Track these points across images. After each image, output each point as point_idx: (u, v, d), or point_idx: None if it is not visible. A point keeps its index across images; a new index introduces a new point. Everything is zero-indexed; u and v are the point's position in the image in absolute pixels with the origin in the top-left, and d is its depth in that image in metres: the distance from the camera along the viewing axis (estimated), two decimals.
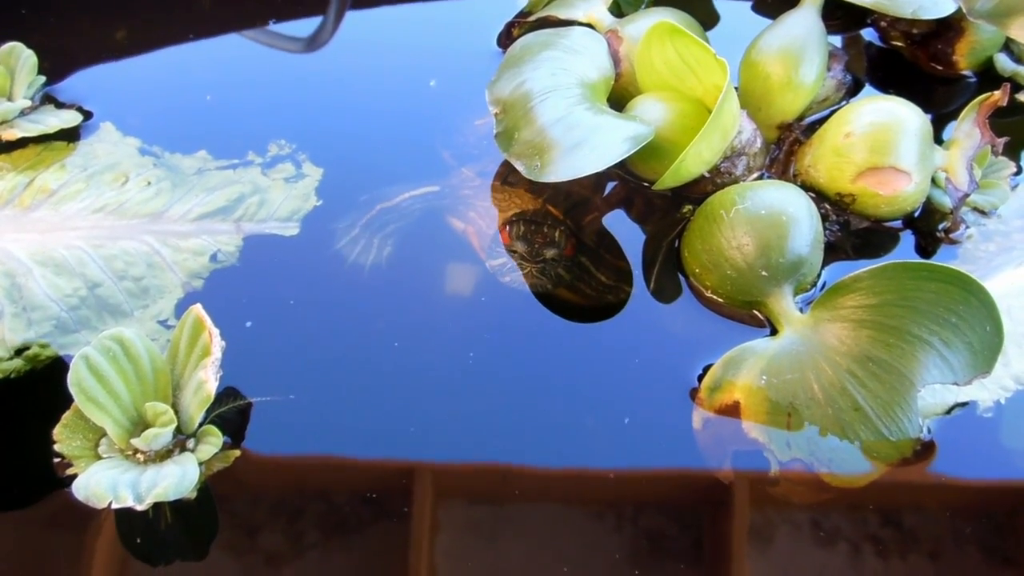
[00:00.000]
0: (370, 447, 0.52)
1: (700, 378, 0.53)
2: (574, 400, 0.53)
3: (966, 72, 0.68)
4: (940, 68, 0.69)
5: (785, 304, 0.53)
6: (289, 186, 0.62)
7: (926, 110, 0.58)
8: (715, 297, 0.56)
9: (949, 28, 0.67)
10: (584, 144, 0.53)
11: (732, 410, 0.51)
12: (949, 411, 0.52)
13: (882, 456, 0.50)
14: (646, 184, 0.60)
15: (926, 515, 0.51)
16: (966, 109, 0.57)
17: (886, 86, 0.68)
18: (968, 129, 0.57)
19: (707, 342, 0.55)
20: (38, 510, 0.49)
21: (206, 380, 0.48)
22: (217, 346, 0.49)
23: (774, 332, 0.54)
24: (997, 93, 0.56)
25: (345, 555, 0.49)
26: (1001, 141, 0.57)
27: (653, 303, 0.57)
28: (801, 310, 0.54)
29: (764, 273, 0.53)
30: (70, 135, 0.64)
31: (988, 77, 0.67)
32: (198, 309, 0.50)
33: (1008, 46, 0.67)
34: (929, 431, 0.51)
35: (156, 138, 0.64)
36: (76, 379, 0.47)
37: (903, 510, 0.51)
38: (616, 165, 0.61)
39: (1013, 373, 0.54)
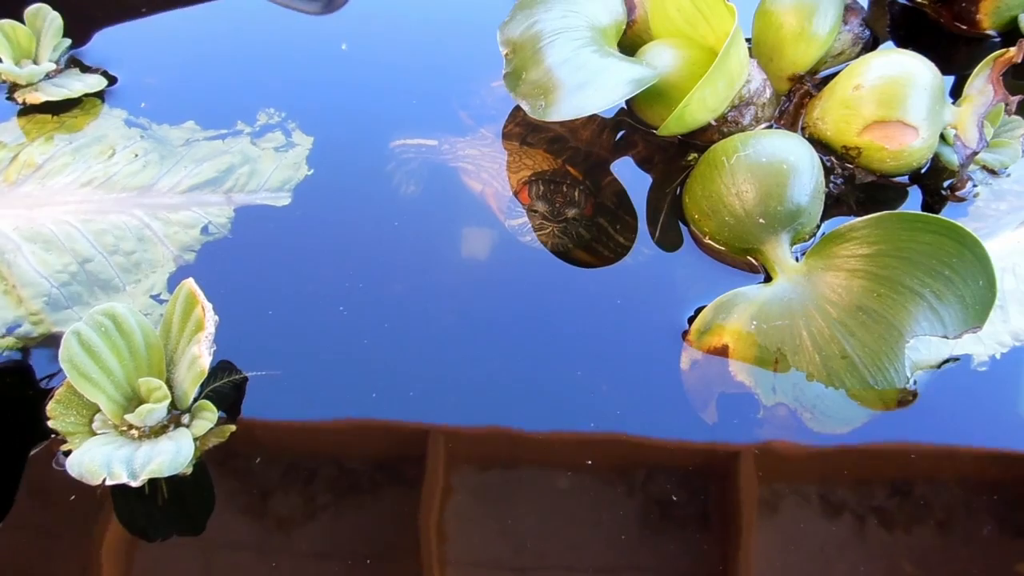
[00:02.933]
0: (370, 415, 0.51)
1: (691, 320, 0.53)
2: (586, 362, 0.53)
3: (990, 32, 0.67)
4: (964, 27, 0.68)
5: (780, 252, 0.53)
6: (279, 155, 0.61)
7: (947, 70, 0.58)
8: (713, 244, 0.56)
9: None
10: (588, 85, 0.53)
11: (720, 353, 0.52)
12: (941, 365, 0.52)
13: (867, 404, 0.50)
14: (654, 131, 0.60)
15: (935, 483, 0.50)
16: (980, 65, 0.56)
17: (908, 44, 0.67)
18: (981, 86, 0.56)
19: (704, 288, 0.55)
20: (34, 487, 0.48)
21: (200, 355, 0.47)
22: (210, 320, 0.48)
23: (768, 280, 0.54)
24: (1012, 50, 0.55)
25: (349, 526, 0.48)
26: (1015, 99, 0.56)
27: (660, 253, 0.57)
28: (797, 259, 0.54)
29: (761, 221, 0.53)
30: (59, 107, 0.63)
31: (1012, 37, 0.66)
32: (190, 283, 0.49)
33: None
34: (915, 382, 0.51)
35: (147, 108, 0.63)
36: (68, 355, 0.46)
37: (909, 474, 0.50)
38: (627, 114, 0.62)
39: (1011, 330, 0.54)
